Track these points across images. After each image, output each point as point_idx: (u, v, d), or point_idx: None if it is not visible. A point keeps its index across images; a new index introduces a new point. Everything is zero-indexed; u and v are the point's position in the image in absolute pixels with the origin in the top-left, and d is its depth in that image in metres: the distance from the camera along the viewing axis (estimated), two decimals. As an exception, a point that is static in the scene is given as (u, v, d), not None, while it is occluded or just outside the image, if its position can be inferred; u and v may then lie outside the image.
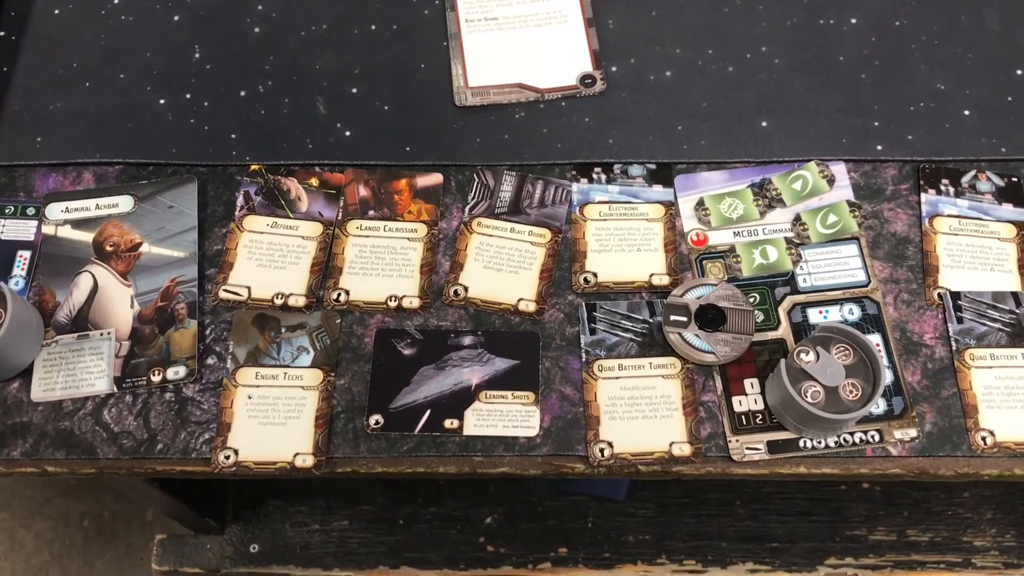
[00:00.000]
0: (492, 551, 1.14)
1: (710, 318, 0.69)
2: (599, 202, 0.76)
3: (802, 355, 0.66)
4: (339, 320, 0.72)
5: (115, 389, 0.70)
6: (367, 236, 0.75)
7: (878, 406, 0.68)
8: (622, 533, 1.14)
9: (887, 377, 0.68)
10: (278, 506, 1.16)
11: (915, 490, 1.16)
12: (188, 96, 0.81)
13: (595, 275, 0.73)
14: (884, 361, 0.69)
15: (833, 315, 0.71)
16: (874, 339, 0.70)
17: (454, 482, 1.13)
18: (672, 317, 0.70)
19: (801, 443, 0.68)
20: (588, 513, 1.16)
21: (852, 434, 0.68)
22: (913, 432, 0.68)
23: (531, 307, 0.72)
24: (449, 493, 1.17)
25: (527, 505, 1.15)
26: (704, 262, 0.73)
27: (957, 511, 1.14)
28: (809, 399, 0.65)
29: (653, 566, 1.15)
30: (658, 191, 0.76)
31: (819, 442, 0.67)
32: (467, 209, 0.76)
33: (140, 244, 0.75)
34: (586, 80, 0.80)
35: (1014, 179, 0.76)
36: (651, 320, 0.71)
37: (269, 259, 0.74)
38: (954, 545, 1.13)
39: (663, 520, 1.15)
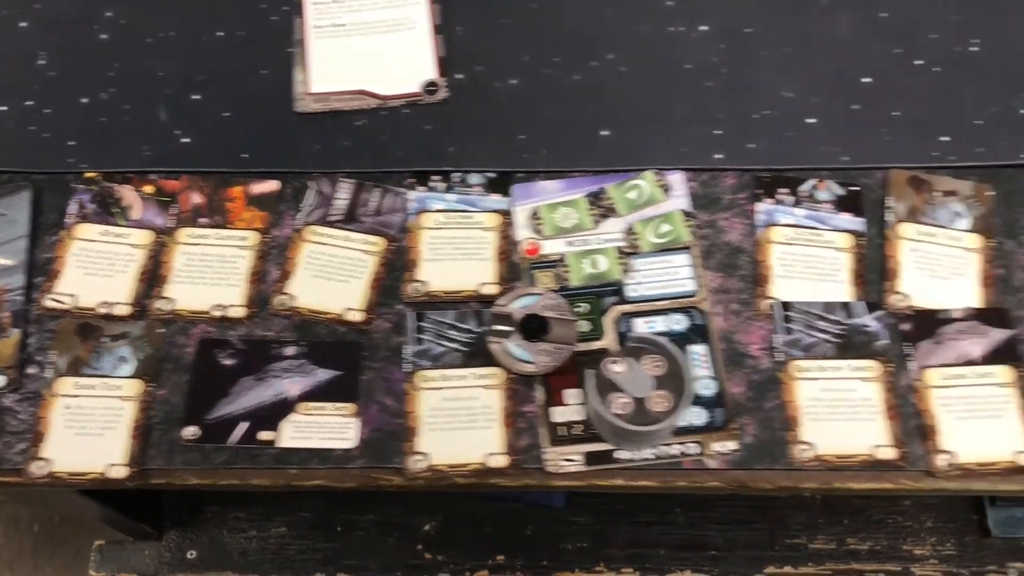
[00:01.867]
0: (429, 558, 1.14)
1: (533, 328, 0.68)
2: (435, 210, 0.75)
3: (612, 365, 0.65)
4: (162, 330, 0.71)
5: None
6: (196, 244, 0.74)
7: (699, 418, 0.67)
8: (560, 541, 1.14)
9: (695, 388, 0.67)
10: (216, 512, 1.16)
11: (856, 498, 1.15)
12: (30, 103, 0.80)
13: (425, 284, 0.72)
14: (708, 372, 0.69)
15: (660, 325, 0.70)
16: (700, 349, 0.70)
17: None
18: (495, 327, 0.69)
19: (618, 455, 0.67)
20: (527, 521, 1.16)
21: (670, 446, 0.67)
22: (733, 444, 0.67)
23: (358, 317, 0.71)
24: (388, 500, 1.16)
25: (466, 512, 1.16)
26: (536, 272, 0.73)
27: (897, 520, 1.14)
28: (617, 410, 0.64)
29: (591, 574, 1.15)
30: (495, 200, 0.75)
31: (636, 454, 0.67)
32: (301, 217, 0.75)
33: (-35, 252, 0.74)
34: (429, 87, 0.79)
35: (854, 188, 0.75)
36: (478, 330, 0.71)
37: (97, 267, 0.73)
38: (894, 554, 1.13)
39: (602, 528, 1.15)
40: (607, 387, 0.65)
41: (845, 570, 1.15)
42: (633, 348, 0.66)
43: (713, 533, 1.14)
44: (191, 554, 1.13)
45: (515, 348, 0.68)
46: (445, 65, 0.81)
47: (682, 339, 0.70)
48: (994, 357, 0.69)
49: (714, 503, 1.15)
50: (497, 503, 1.15)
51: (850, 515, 1.14)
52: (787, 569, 1.15)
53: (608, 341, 0.70)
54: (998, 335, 0.70)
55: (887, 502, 1.14)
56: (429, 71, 0.80)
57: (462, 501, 1.16)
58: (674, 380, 0.65)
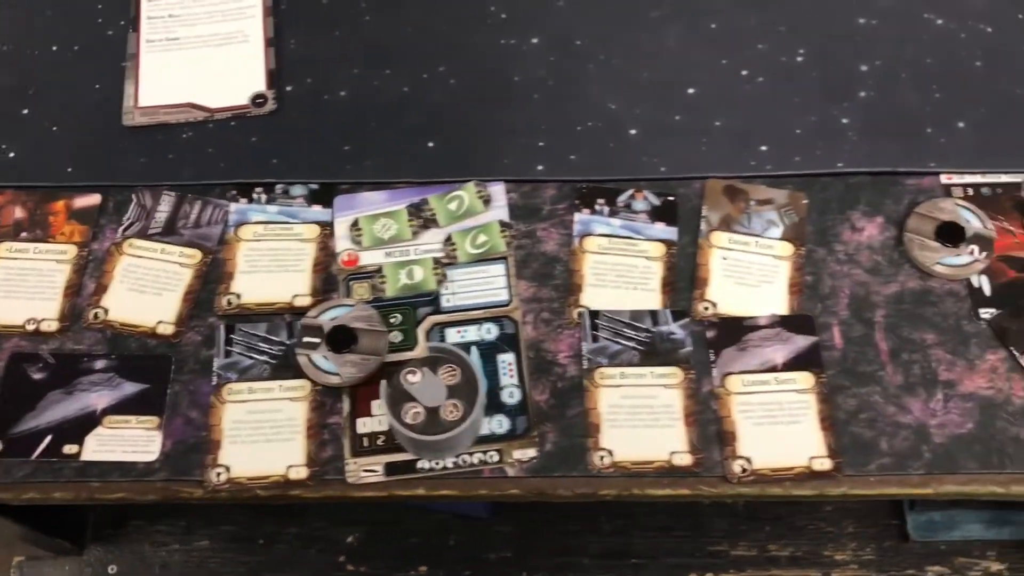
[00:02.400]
0: (352, 570, 1.13)
1: (340, 339, 0.69)
2: (255, 222, 0.75)
3: (408, 376, 0.66)
4: (-28, 345, 0.71)
5: None
6: (15, 258, 0.74)
7: (502, 426, 0.68)
8: (484, 551, 1.13)
9: (483, 397, 0.66)
10: (138, 526, 1.15)
11: (779, 505, 1.16)
12: None
13: (239, 296, 0.72)
14: (514, 380, 0.69)
15: (471, 335, 0.71)
16: (508, 358, 0.70)
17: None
18: (304, 339, 0.69)
19: (419, 464, 0.67)
20: (451, 531, 1.15)
21: (471, 454, 0.67)
22: (532, 452, 0.68)
23: (169, 330, 0.71)
24: (311, 513, 1.15)
25: (390, 523, 1.15)
26: (352, 283, 0.73)
27: (819, 525, 1.14)
28: (408, 420, 0.64)
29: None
30: (317, 212, 0.76)
31: (437, 463, 0.67)
32: (120, 230, 0.75)
33: None
34: (257, 100, 0.80)
35: (670, 198, 0.76)
36: (289, 342, 0.71)
37: (-87, 282, 0.73)
38: (814, 559, 1.13)
39: (526, 537, 1.15)
40: (402, 397, 0.65)
41: None
42: (430, 358, 0.67)
43: (637, 541, 1.14)
44: (112, 568, 1.12)
45: (321, 360, 0.69)
46: (275, 78, 0.81)
47: (492, 348, 0.71)
48: (796, 363, 0.70)
49: (638, 510, 1.15)
50: (422, 513, 1.14)
51: (772, 521, 1.15)
52: None
53: (419, 351, 0.70)
54: (801, 342, 0.71)
55: (809, 508, 1.15)
56: (259, 84, 0.81)
57: (387, 512, 1.15)
58: (467, 389, 0.66)
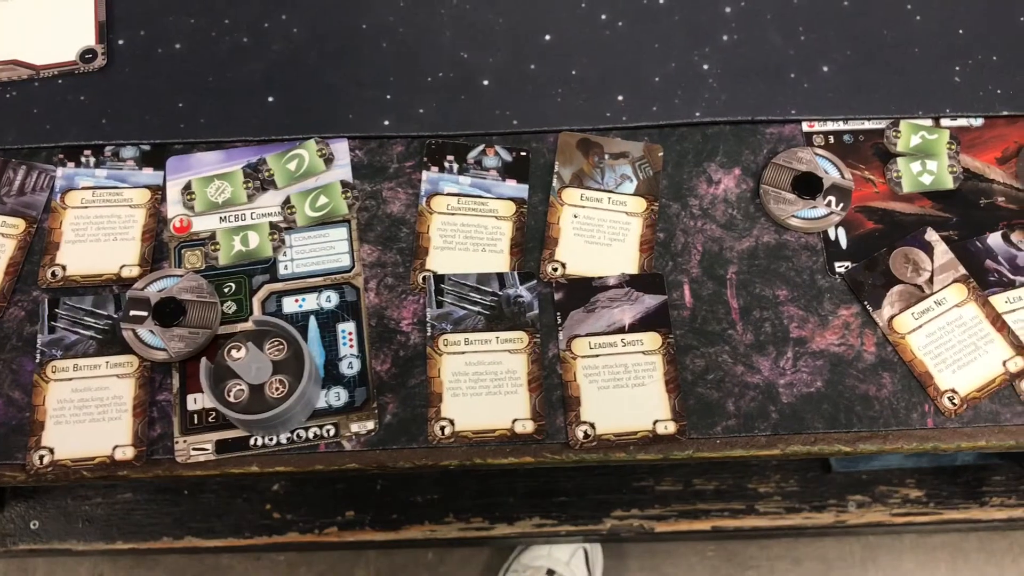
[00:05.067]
0: (278, 518, 1.13)
1: (168, 312, 0.66)
2: (83, 188, 0.71)
3: (232, 352, 0.63)
4: None
5: None
6: None
7: (340, 398, 0.65)
8: (410, 494, 1.13)
9: (311, 373, 0.64)
10: None
11: None
12: None
13: (64, 268, 0.68)
14: (354, 351, 0.67)
15: (310, 303, 0.68)
16: (348, 327, 0.68)
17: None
18: (130, 312, 0.66)
19: (252, 441, 0.65)
20: (377, 476, 1.14)
21: (307, 429, 0.65)
22: (371, 424, 0.65)
23: (-10, 305, 0.68)
24: None
25: (316, 470, 1.14)
26: (184, 251, 0.70)
27: None
28: (233, 397, 0.62)
29: (440, 525, 1.14)
30: (148, 175, 0.72)
31: (271, 439, 0.65)
32: (-63, 200, 0.71)
33: None
34: (86, 55, 0.75)
35: (523, 153, 0.73)
36: (116, 316, 0.68)
37: None
38: (738, 492, 1.14)
39: (451, 480, 1.15)
40: (226, 374, 0.63)
41: (691, 510, 1.16)
42: (256, 332, 0.64)
43: (562, 480, 1.15)
44: (34, 524, 1.11)
45: (148, 334, 0.66)
46: (106, 31, 0.76)
47: (332, 317, 0.68)
48: (644, 324, 0.68)
49: (565, 450, 1.16)
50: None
51: (698, 456, 1.16)
52: (634, 512, 1.16)
53: (249, 324, 0.67)
54: (650, 301, 0.69)
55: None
56: (88, 38, 0.76)
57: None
58: (295, 364, 0.63)
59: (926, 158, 0.72)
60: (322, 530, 1.13)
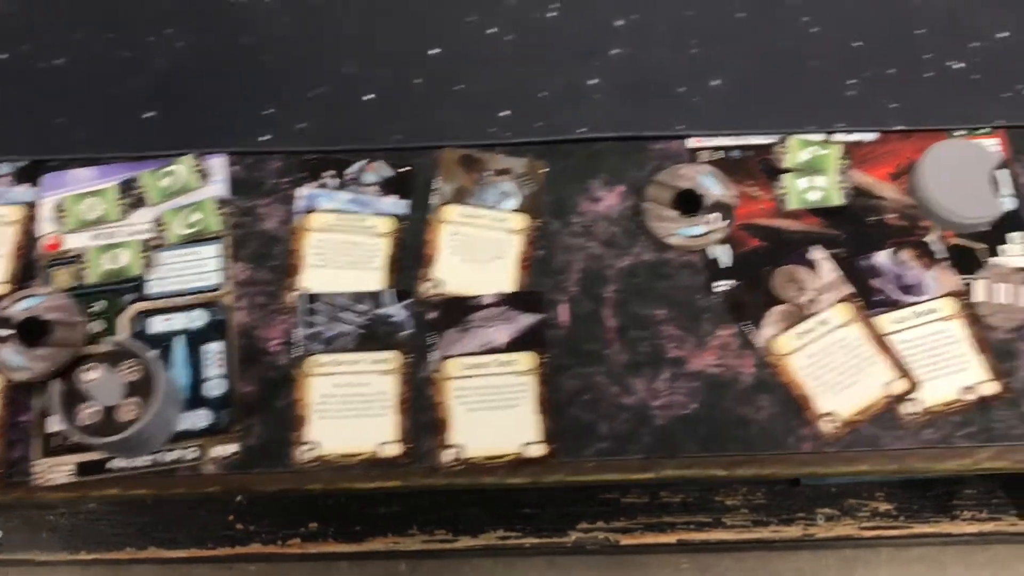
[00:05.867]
0: (241, 529, 1.11)
1: (30, 332, 0.64)
2: (-46, 206, 0.70)
3: (86, 373, 0.61)
4: None
5: None
6: None
7: (204, 420, 0.64)
8: (373, 506, 1.12)
9: (171, 394, 0.63)
10: None
11: None
12: None
13: (-70, 287, 0.68)
14: (221, 371, 0.65)
15: (178, 322, 0.66)
16: (215, 347, 0.66)
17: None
18: (-7, 332, 0.65)
19: (113, 463, 0.63)
20: None
21: (170, 451, 0.64)
22: (234, 447, 0.64)
23: None
24: None
25: None
26: (53, 269, 0.68)
27: None
28: (87, 420, 0.60)
29: (404, 537, 1.13)
30: (22, 191, 0.70)
31: (132, 462, 0.63)
32: None
33: None
34: (-36, 70, 0.74)
35: (405, 169, 0.71)
36: (-18, 335, 0.66)
37: None
38: (705, 505, 1.12)
39: (415, 491, 1.11)
40: (81, 395, 0.61)
41: (657, 523, 1.15)
42: (110, 353, 0.62)
43: (527, 490, 1.12)
44: None
45: (10, 354, 0.64)
46: (-13, 45, 0.75)
47: (199, 336, 0.66)
48: (519, 344, 0.66)
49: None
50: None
51: (663, 468, 1.15)
52: (599, 524, 1.14)
53: (108, 345, 0.66)
54: (526, 320, 0.67)
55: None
56: (-33, 52, 0.75)
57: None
58: (148, 386, 0.62)
59: (814, 174, 0.71)
60: (285, 541, 1.11)
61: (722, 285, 0.68)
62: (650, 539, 1.15)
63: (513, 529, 1.13)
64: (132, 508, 1.13)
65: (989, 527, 1.16)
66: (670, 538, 1.14)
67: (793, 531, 1.14)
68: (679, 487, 1.16)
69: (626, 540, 1.14)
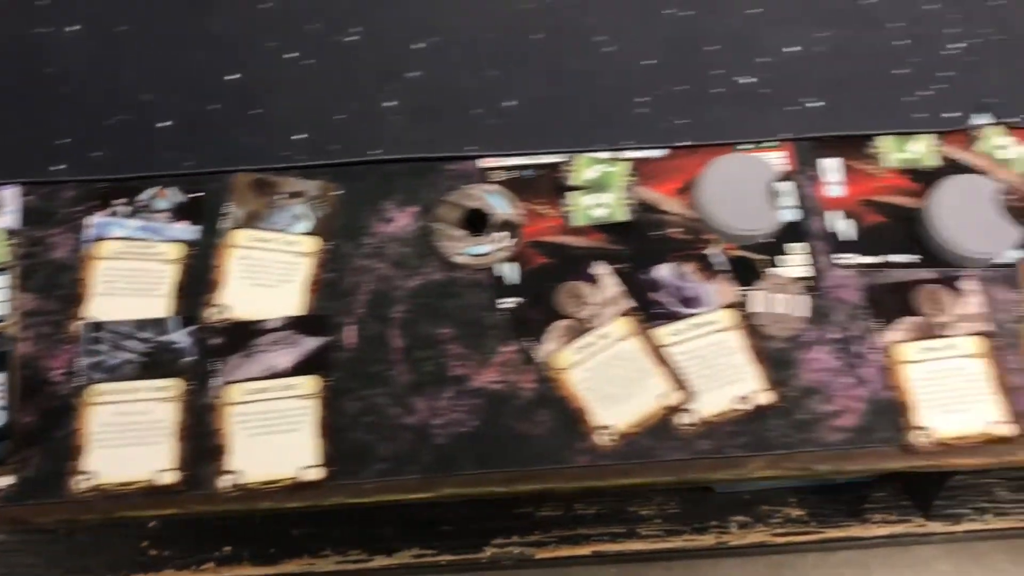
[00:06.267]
0: (155, 554, 1.08)
1: None
2: None
3: None
4: None
5: None
6: None
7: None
8: (287, 528, 1.10)
9: None
10: None
11: None
12: None
13: None
14: (1, 403, 0.65)
15: (-41, 355, 0.67)
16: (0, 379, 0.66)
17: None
18: None
19: None
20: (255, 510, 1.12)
21: (-57, 486, 0.63)
22: (11, 479, 0.64)
23: None
24: None
25: None
26: None
27: None
28: None
29: (318, 558, 1.12)
30: None
31: (-98, 498, 0.63)
32: None
33: None
34: None
35: (198, 194, 0.72)
36: None
37: None
38: (620, 516, 1.12)
39: (328, 511, 1.11)
40: None
41: (571, 536, 1.15)
42: None
43: (442, 509, 1.11)
44: None
45: None
46: None
47: (-18, 369, 0.66)
48: (303, 367, 0.67)
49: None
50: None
51: (579, 481, 1.15)
52: (514, 539, 1.14)
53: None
54: (311, 344, 0.67)
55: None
56: None
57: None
58: (-88, 420, 0.61)
59: (599, 191, 0.72)
60: (199, 566, 1.09)
61: (508, 302, 0.69)
62: (565, 552, 1.15)
63: (428, 547, 1.13)
64: (43, 539, 1.12)
65: (900, 529, 1.17)
66: (585, 550, 1.14)
67: (707, 539, 1.15)
68: (594, 498, 1.17)
69: (541, 554, 1.15)
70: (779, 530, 1.16)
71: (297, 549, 1.13)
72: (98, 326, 0.67)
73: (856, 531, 1.16)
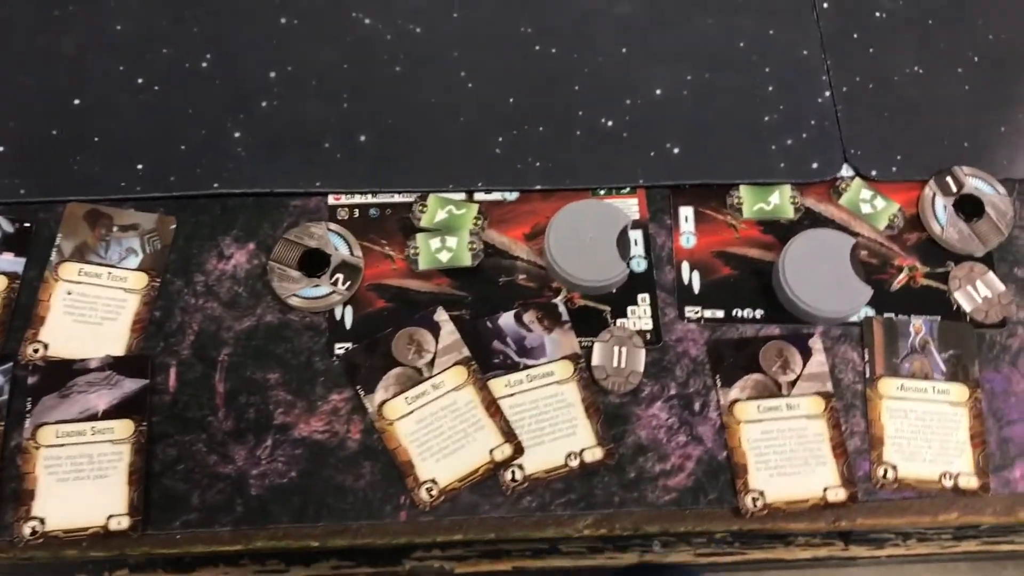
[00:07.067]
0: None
1: None
2: None
3: None
4: None
5: None
6: None
7: None
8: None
9: None
10: None
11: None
12: None
13: None
14: None
15: None
16: None
17: None
18: None
19: None
20: None
21: None
22: None
23: None
24: None
25: None
26: None
27: None
28: None
29: (235, 568, 1.09)
30: None
31: None
32: None
33: None
34: None
35: (25, 225, 0.69)
36: None
37: None
38: None
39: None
40: None
41: (492, 551, 1.11)
42: None
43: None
44: None
45: None
46: None
47: None
48: (119, 410, 0.64)
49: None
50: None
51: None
52: (435, 552, 1.11)
53: None
54: (130, 386, 0.65)
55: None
56: None
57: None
58: None
59: (447, 234, 0.70)
60: (112, 572, 1.07)
61: (342, 348, 0.67)
62: (486, 567, 1.13)
63: (347, 559, 1.11)
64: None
65: (823, 552, 1.16)
66: (506, 565, 1.12)
67: (629, 558, 1.13)
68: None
69: (462, 568, 1.12)
70: (703, 551, 1.14)
71: (213, 558, 1.11)
72: (-94, 361, 0.65)
73: (780, 553, 1.15)
